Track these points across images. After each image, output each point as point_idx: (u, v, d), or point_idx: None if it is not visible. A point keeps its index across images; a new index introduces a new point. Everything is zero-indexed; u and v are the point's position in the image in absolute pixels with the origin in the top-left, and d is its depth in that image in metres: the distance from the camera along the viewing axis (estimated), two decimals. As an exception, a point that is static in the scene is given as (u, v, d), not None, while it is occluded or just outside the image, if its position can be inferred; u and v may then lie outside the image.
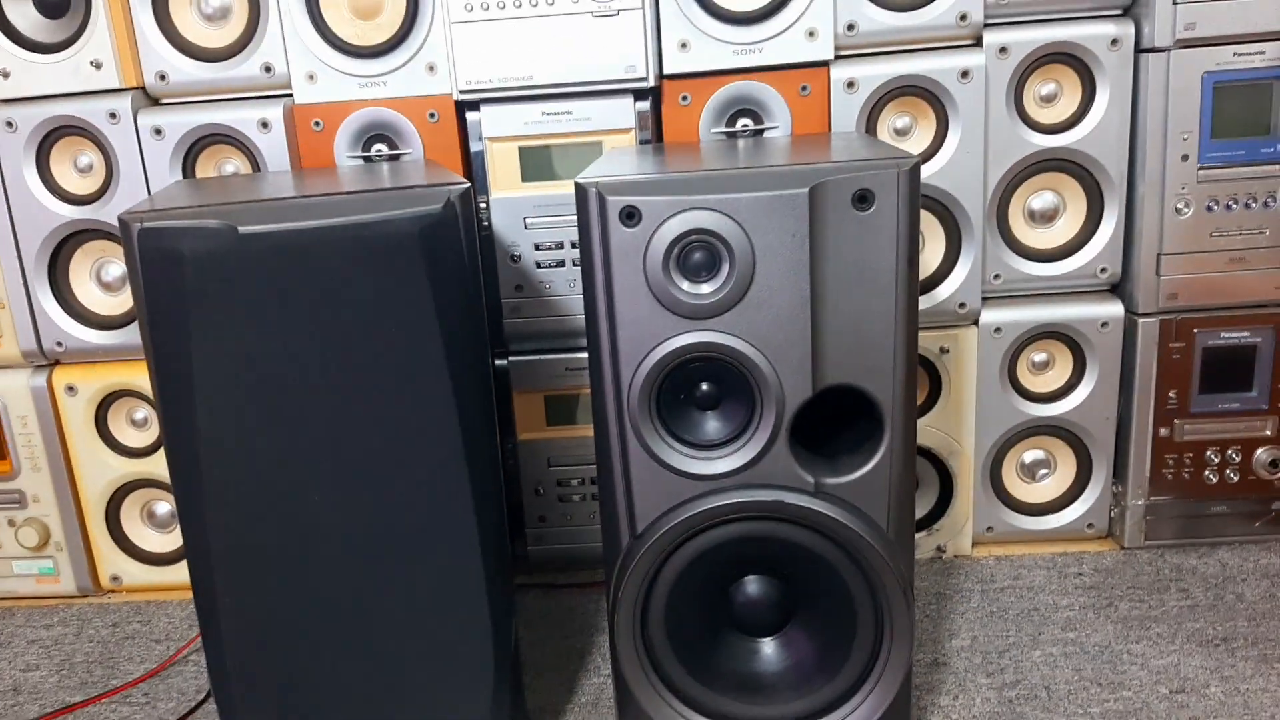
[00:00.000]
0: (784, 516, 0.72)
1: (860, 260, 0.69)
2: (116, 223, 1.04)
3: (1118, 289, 1.10)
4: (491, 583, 0.76)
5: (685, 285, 0.70)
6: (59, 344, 1.10)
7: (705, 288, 0.70)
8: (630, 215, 0.69)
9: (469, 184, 0.74)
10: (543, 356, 1.10)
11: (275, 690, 0.75)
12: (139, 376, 1.10)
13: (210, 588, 0.73)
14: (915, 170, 0.69)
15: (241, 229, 0.67)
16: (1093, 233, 1.07)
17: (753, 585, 0.78)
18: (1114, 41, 1.01)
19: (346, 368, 0.70)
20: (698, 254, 0.69)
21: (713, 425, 0.74)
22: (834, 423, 0.76)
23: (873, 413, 0.73)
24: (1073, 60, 1.03)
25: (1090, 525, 1.13)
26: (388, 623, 0.75)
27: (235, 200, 0.73)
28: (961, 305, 1.07)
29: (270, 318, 0.68)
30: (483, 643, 0.77)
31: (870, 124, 1.04)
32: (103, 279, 1.10)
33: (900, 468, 0.73)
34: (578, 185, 0.71)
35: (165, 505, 1.16)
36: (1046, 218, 1.08)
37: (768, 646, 0.79)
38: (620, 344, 0.72)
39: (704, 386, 0.73)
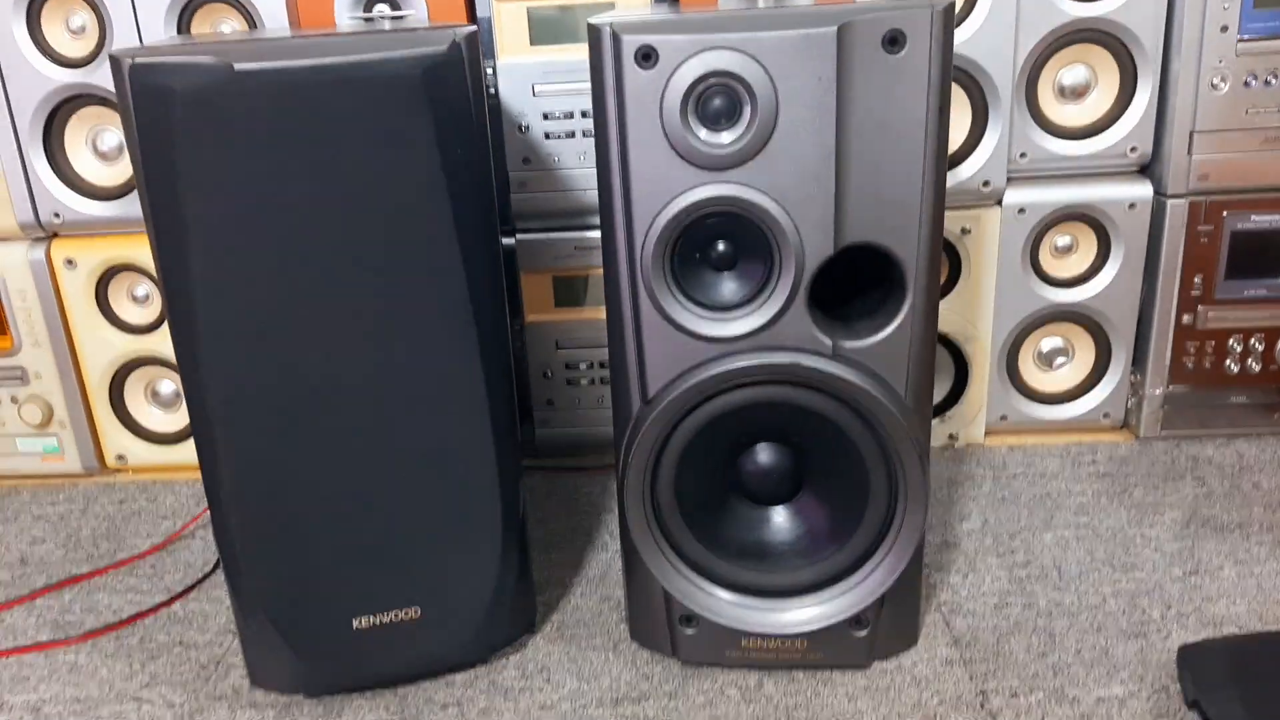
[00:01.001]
0: (799, 380, 0.70)
1: (889, 109, 0.65)
2: (111, 87, 1.02)
3: (1147, 170, 1.06)
4: (500, 451, 0.75)
5: (704, 133, 0.66)
6: (56, 215, 1.07)
7: (725, 136, 0.66)
8: (646, 56, 0.65)
9: (475, 28, 0.70)
10: (551, 235, 1.07)
11: (281, 561, 0.74)
12: (139, 250, 1.07)
13: (213, 450, 0.71)
14: (950, 11, 0.65)
15: (237, 66, 0.64)
16: (1124, 110, 1.03)
17: (764, 453, 0.76)
18: (1156, -98, 0.96)
19: (348, 217, 0.67)
20: (718, 99, 0.66)
21: (728, 286, 0.71)
22: (853, 289, 0.73)
23: (894, 276, 0.70)
24: (1111, -77, 0.97)
25: (1106, 415, 1.11)
26: (394, 493, 0.73)
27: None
28: (985, 184, 1.03)
29: (268, 161, 0.65)
30: (490, 514, 0.76)
31: (897, -11, 0.99)
32: (99, 148, 1.06)
33: (921, 332, 0.70)
34: (590, 25, 0.67)
35: (169, 384, 1.14)
36: (1077, 93, 1.03)
37: (778, 515, 0.77)
38: (634, 198, 0.69)
39: (720, 244, 0.70)
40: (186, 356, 0.70)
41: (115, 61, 0.65)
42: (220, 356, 0.69)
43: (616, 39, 0.65)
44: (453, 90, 0.67)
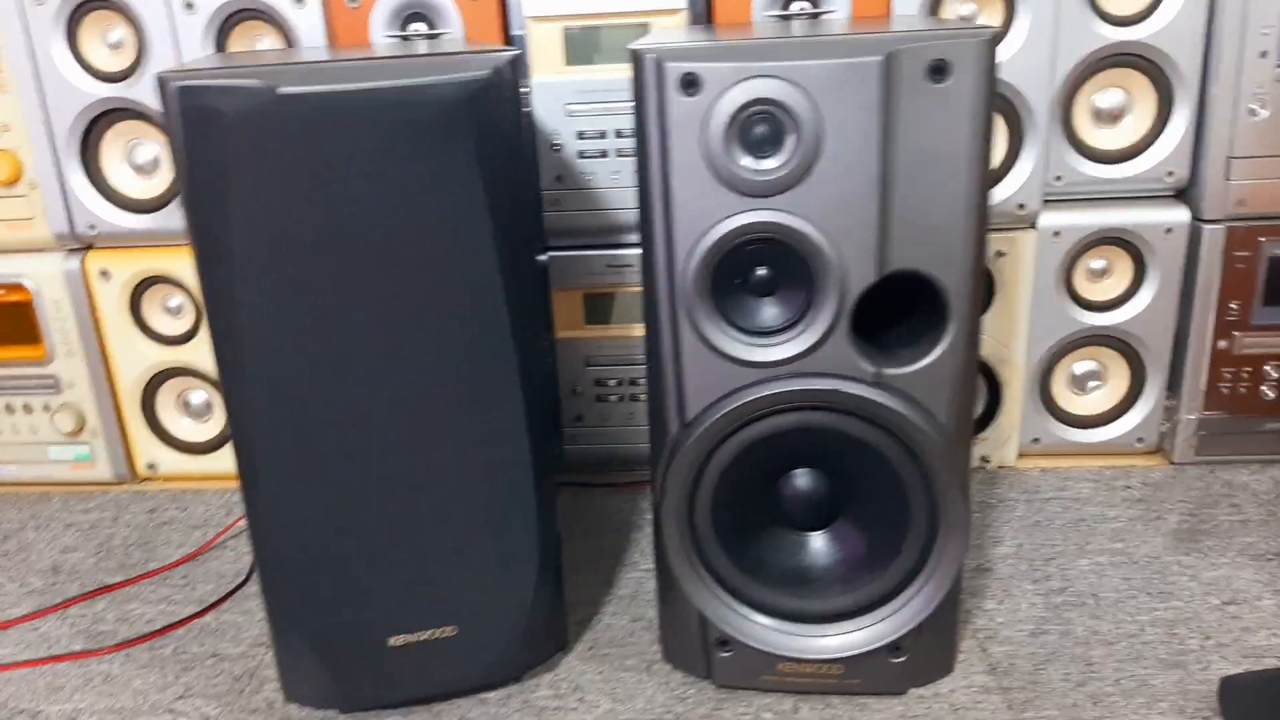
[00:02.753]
0: (840, 407, 0.70)
1: (932, 137, 0.65)
2: (148, 102, 1.03)
3: (1183, 194, 1.05)
4: (538, 470, 0.75)
5: (746, 160, 0.66)
6: (92, 227, 1.08)
7: (768, 163, 0.66)
8: (690, 83, 0.65)
9: (518, 51, 0.71)
10: (583, 252, 1.07)
11: (319, 579, 0.74)
12: (173, 262, 1.08)
13: (254, 468, 0.72)
14: (993, 42, 0.65)
15: (280, 89, 0.64)
16: (1160, 134, 1.02)
17: (802, 478, 0.76)
18: (1197, -73, 0.95)
19: (390, 239, 0.67)
20: (761, 127, 0.66)
21: (770, 311, 0.71)
22: (890, 314, 0.73)
23: (935, 303, 0.70)
24: (1151, -53, 0.97)
25: (1140, 440, 1.11)
26: (433, 511, 0.73)
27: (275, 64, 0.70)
28: (1021, 206, 1.02)
29: (312, 183, 0.65)
30: (528, 532, 0.76)
31: (933, 10, 0.98)
32: (135, 161, 1.07)
33: (963, 359, 0.70)
34: (634, 52, 0.67)
35: (201, 394, 1.15)
36: (1113, 117, 1.03)
37: (816, 540, 0.77)
38: (675, 224, 0.69)
39: (761, 270, 0.70)
40: (229, 374, 0.70)
41: (162, 83, 0.65)
42: (263, 375, 0.69)
43: (660, 66, 0.66)
44: (496, 115, 0.68)
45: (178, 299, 1.11)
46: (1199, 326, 1.06)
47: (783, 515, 0.77)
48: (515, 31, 1.02)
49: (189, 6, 1.00)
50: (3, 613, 0.95)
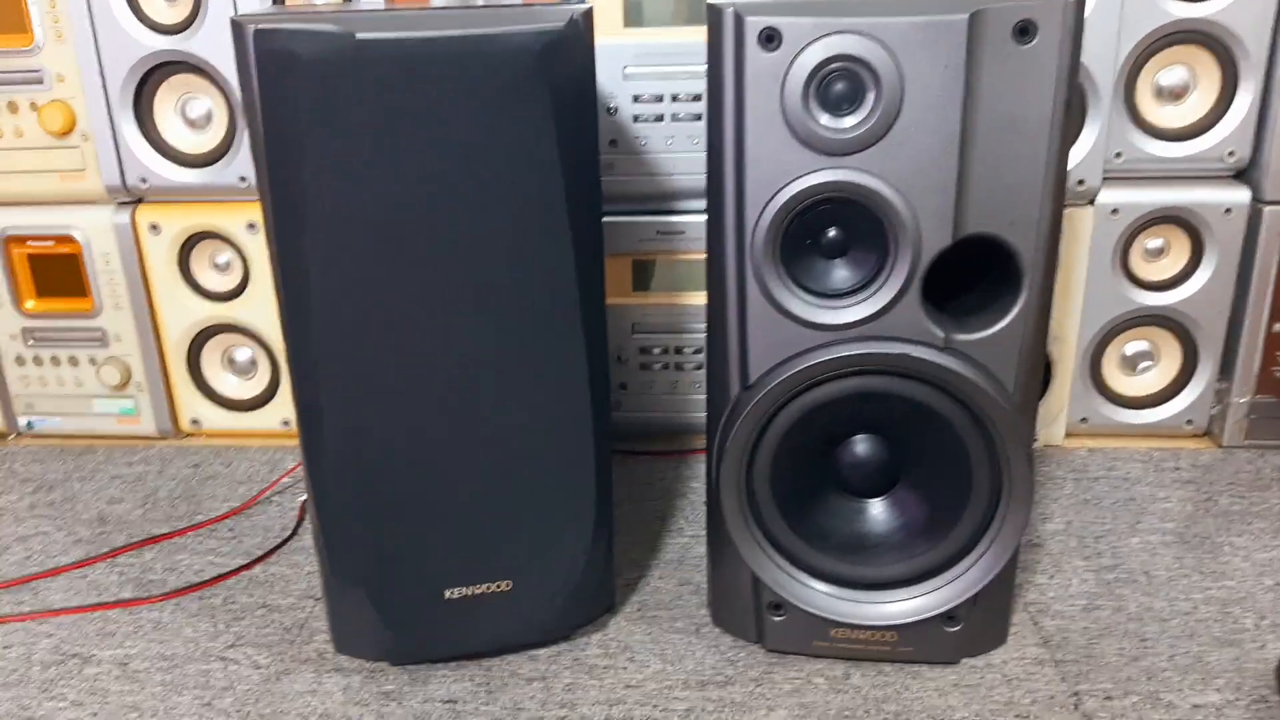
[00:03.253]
0: (908, 372, 0.69)
1: (1015, 100, 0.64)
2: (203, 55, 1.02)
3: (1244, 175, 1.04)
4: (597, 429, 0.75)
5: (825, 118, 0.66)
6: (143, 180, 1.08)
7: (846, 121, 0.65)
8: (770, 38, 0.65)
9: (590, 6, 0.70)
10: (634, 218, 1.07)
11: (379, 530, 0.74)
12: (223, 218, 1.08)
13: (318, 417, 0.71)
14: (1081, 4, 0.64)
15: (359, 35, 0.64)
16: (1223, 114, 1.01)
17: (862, 444, 0.75)
18: (1272, -101, 0.93)
19: (461, 189, 0.67)
20: (841, 84, 0.65)
21: (839, 273, 0.70)
22: (960, 279, 0.72)
23: (1008, 269, 0.69)
24: (1219, -78, 0.95)
25: (1189, 422, 1.10)
26: (495, 465, 0.73)
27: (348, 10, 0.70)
28: (1080, 182, 1.01)
29: (386, 131, 0.65)
30: (586, 490, 0.76)
31: (999, -19, 0.97)
32: (188, 115, 1.07)
33: (1034, 328, 0.69)
34: (711, 6, 0.66)
35: (245, 351, 1.15)
36: (1175, 95, 1.01)
37: (874, 507, 0.76)
38: (747, 182, 0.68)
39: (832, 231, 0.69)
40: (296, 322, 0.70)
41: (238, 27, 0.65)
42: (331, 323, 0.69)
43: (739, 20, 0.65)
44: (569, 67, 0.67)
45: (226, 255, 1.11)
46: (1254, 309, 1.04)
47: (842, 481, 0.76)
48: (573, -7, 1.02)
49: (247, -41, 1.00)
50: (52, 559, 0.96)
